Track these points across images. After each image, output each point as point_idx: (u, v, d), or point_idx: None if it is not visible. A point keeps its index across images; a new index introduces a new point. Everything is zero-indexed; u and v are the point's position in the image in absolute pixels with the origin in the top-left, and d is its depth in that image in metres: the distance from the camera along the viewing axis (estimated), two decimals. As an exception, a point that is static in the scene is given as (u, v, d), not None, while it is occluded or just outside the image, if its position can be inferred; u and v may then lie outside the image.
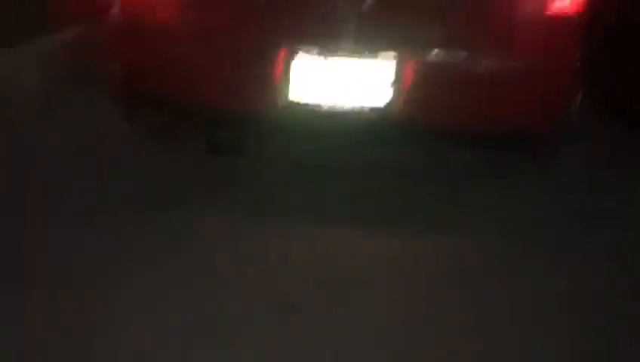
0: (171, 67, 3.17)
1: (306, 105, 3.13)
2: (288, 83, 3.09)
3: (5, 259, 2.74)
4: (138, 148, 3.63)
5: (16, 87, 4.42)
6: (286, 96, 3.10)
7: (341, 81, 3.11)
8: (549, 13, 3.16)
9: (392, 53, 3.05)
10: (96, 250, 2.87)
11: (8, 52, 4.72)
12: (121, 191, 3.30)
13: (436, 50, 3.11)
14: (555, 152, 3.58)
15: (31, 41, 4.89)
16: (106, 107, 3.60)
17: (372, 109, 3.13)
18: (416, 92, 3.09)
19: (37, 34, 5.05)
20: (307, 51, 3.04)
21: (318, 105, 3.14)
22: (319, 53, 3.05)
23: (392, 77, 3.06)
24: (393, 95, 3.08)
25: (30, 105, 4.12)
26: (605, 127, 4.21)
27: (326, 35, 3.07)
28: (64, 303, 2.52)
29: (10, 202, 3.16)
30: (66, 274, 2.69)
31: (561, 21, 3.18)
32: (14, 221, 3.01)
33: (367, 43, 3.07)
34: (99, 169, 3.47)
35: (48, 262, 2.76)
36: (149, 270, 2.74)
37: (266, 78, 3.10)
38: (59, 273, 2.70)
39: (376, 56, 3.06)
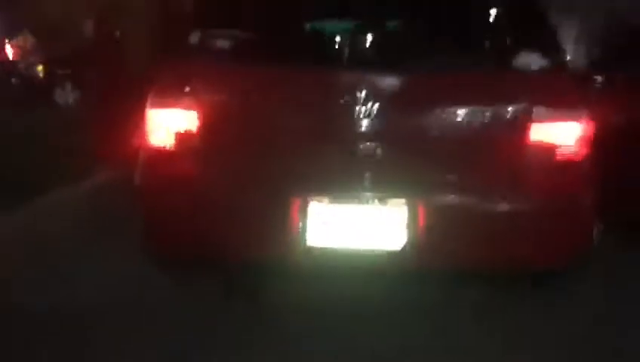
0: (191, 221, 3.27)
1: (323, 249, 3.19)
2: (304, 229, 3.16)
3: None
4: (161, 294, 3.69)
5: (44, 235, 4.56)
6: (303, 241, 3.17)
7: (355, 226, 3.17)
8: (558, 158, 3.21)
9: (401, 200, 3.12)
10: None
11: (37, 201, 4.93)
12: (144, 342, 3.32)
13: (446, 195, 3.17)
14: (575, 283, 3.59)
15: (59, 190, 5.11)
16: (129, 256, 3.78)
17: (386, 253, 3.17)
18: (430, 235, 3.13)
19: (64, 182, 5.28)
20: (319, 201, 3.14)
21: (334, 250, 3.20)
22: (330, 202, 3.15)
23: (403, 222, 3.12)
24: (407, 239, 3.13)
25: (58, 253, 4.24)
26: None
27: (335, 185, 3.17)
28: None
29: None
30: None
31: (571, 165, 3.22)
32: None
33: (376, 191, 3.15)
34: (122, 317, 3.53)
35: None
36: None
37: (283, 226, 3.18)
38: None
39: (385, 203, 3.13)
